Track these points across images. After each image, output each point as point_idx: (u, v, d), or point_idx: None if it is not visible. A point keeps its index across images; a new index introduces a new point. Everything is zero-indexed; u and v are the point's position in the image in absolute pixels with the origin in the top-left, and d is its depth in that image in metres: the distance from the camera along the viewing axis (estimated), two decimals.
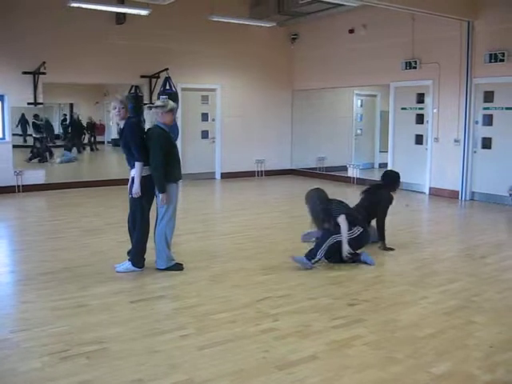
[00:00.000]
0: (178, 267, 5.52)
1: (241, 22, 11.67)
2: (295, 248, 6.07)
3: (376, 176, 12.63)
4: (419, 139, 11.18)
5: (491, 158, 9.91)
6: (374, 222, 6.63)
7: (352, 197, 8.84)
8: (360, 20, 11.87)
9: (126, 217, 5.57)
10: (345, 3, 9.71)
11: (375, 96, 14.67)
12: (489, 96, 9.91)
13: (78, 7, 9.46)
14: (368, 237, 5.95)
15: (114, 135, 19.05)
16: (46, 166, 12.69)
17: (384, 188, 6.69)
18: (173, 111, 5.47)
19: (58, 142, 18.84)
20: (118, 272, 5.41)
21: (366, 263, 5.78)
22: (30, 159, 14.39)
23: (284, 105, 14.13)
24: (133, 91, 11.73)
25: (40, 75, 10.63)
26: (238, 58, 13.06)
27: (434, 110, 10.77)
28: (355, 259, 5.81)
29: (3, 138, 10.76)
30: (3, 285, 5.17)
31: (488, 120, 9.95)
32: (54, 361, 3.46)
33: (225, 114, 13.25)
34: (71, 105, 19.73)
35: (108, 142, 19.06)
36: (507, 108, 9.58)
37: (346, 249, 5.64)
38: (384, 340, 3.84)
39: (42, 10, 10.46)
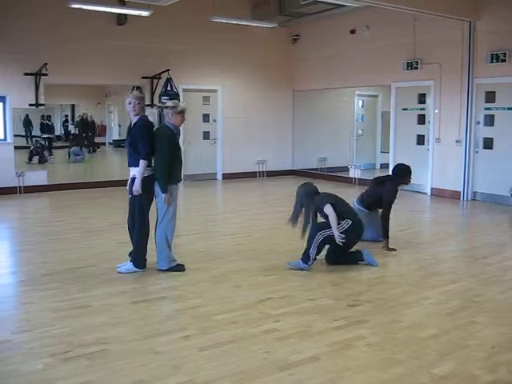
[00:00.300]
0: (180, 268, 5.52)
1: (242, 23, 11.67)
2: (296, 248, 6.05)
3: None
4: (421, 140, 11.17)
5: (493, 159, 9.90)
6: (373, 223, 6.64)
7: (353, 197, 8.83)
8: (361, 21, 11.87)
9: (127, 218, 5.57)
10: (346, 4, 9.71)
11: (376, 96, 14.66)
12: (490, 96, 9.90)
13: (79, 8, 9.46)
14: (360, 228, 5.82)
15: (116, 136, 19.08)
16: (47, 166, 12.71)
17: (392, 180, 6.70)
18: (183, 113, 5.47)
19: (60, 143, 18.86)
20: (119, 273, 5.41)
21: (369, 264, 5.76)
22: (30, 159, 14.42)
23: (285, 105, 14.13)
24: None
25: (41, 76, 10.64)
26: (239, 59, 13.07)
27: (436, 111, 10.76)
28: (357, 259, 5.80)
29: (5, 139, 10.77)
30: (5, 286, 5.18)
31: (489, 120, 9.94)
32: (55, 362, 3.46)
33: (226, 115, 13.25)
34: (73, 106, 19.75)
35: (109, 143, 19.08)
36: (509, 108, 9.58)
37: (337, 235, 5.55)
38: (386, 341, 3.84)
39: (43, 12, 10.48)
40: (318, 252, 5.62)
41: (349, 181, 12.81)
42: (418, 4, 8.78)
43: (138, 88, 11.67)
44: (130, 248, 5.53)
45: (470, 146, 10.17)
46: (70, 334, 3.91)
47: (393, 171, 6.89)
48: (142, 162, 5.22)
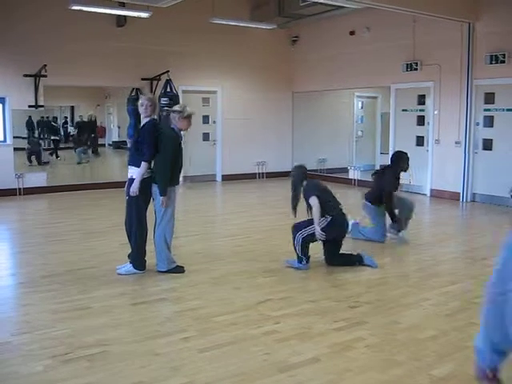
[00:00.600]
0: (179, 269, 5.52)
1: (241, 25, 11.70)
2: None
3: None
4: (420, 141, 11.18)
5: (492, 160, 9.90)
6: (380, 222, 6.70)
7: (352, 198, 8.82)
8: (361, 22, 11.88)
9: (124, 219, 5.57)
10: (345, 5, 9.71)
11: (376, 98, 14.67)
12: (489, 97, 9.91)
13: (79, 10, 9.46)
14: (341, 223, 5.72)
15: (115, 138, 19.10)
16: (47, 167, 12.72)
17: (391, 167, 6.81)
18: (190, 117, 5.48)
19: (61, 145, 18.87)
20: (119, 274, 5.41)
21: (368, 266, 5.76)
22: (29, 159, 14.44)
23: (285, 107, 14.14)
24: (134, 94, 11.75)
25: (41, 78, 10.64)
26: (238, 60, 13.08)
27: (435, 112, 10.77)
28: (355, 261, 5.79)
29: (4, 141, 10.76)
30: (4, 288, 5.18)
31: (489, 121, 9.95)
32: (55, 364, 3.46)
33: (226, 116, 13.26)
34: (72, 107, 19.77)
35: (109, 145, 19.09)
36: (508, 109, 9.58)
37: (317, 231, 5.53)
38: (385, 342, 3.84)
39: (43, 13, 10.49)
40: (306, 251, 5.62)
41: (348, 182, 12.81)
42: (418, 5, 8.79)
43: (138, 90, 11.76)
44: (130, 250, 5.54)
45: (469, 148, 10.18)
46: (70, 335, 3.91)
47: (390, 159, 7.03)
48: (144, 164, 5.23)
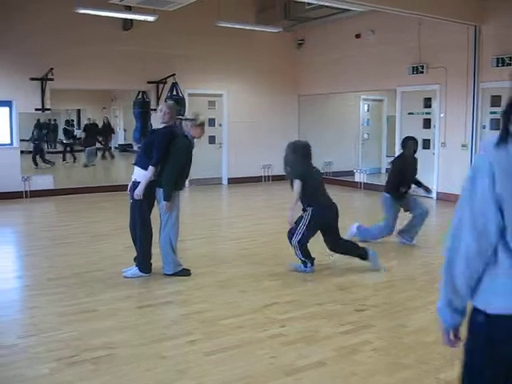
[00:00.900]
0: (186, 273, 5.52)
1: (247, 28, 11.70)
2: None
3: (383, 181, 12.62)
4: (426, 144, 11.14)
5: None
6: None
7: (358, 201, 8.80)
8: (366, 25, 11.87)
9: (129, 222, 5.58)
10: (351, 8, 9.72)
11: (382, 101, 14.66)
12: (496, 100, 9.87)
13: (86, 13, 9.49)
14: (324, 212, 5.59)
15: (121, 141, 19.15)
16: (54, 170, 12.78)
17: (402, 152, 7.04)
18: (203, 125, 5.51)
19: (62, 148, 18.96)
20: (125, 277, 5.41)
21: (371, 263, 5.67)
22: (34, 161, 14.55)
23: (291, 110, 14.13)
24: (140, 97, 11.79)
25: (47, 81, 10.68)
26: (244, 64, 13.09)
27: (441, 115, 10.74)
28: (359, 254, 5.66)
29: (11, 144, 10.80)
30: (11, 290, 5.19)
31: (495, 124, 9.90)
32: (61, 366, 3.46)
33: (231, 120, 13.27)
34: (78, 110, 19.85)
35: (115, 148, 19.13)
36: None
37: (289, 216, 5.52)
38: (392, 346, 3.82)
39: (49, 17, 10.52)
40: (307, 254, 5.61)
41: (354, 185, 12.79)
42: (423, 8, 8.78)
43: (144, 93, 11.79)
44: (136, 253, 5.54)
45: (475, 151, 10.14)
46: (76, 338, 3.91)
47: (401, 146, 7.22)
48: (151, 169, 5.23)
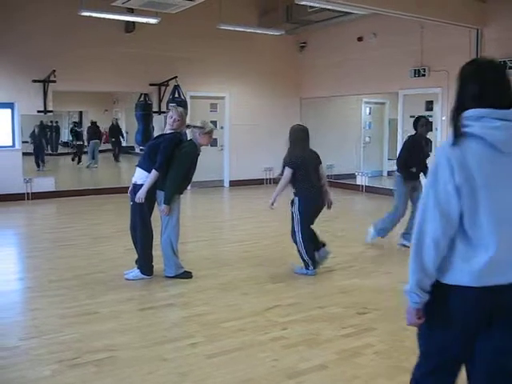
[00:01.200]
0: (187, 275, 5.52)
1: (249, 31, 11.71)
2: None
3: (385, 184, 12.62)
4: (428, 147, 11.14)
5: None
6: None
7: (360, 204, 8.80)
8: (369, 28, 11.88)
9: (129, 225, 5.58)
10: (353, 11, 9.72)
11: (384, 104, 14.65)
12: None
13: (89, 16, 9.51)
14: (312, 198, 5.64)
15: (123, 143, 19.15)
16: (55, 172, 12.79)
17: (415, 133, 7.09)
18: (211, 133, 5.52)
19: (67, 149, 19.06)
20: (127, 279, 5.41)
21: (317, 256, 5.68)
22: (37, 163, 14.62)
23: (292, 113, 14.10)
24: (142, 99, 11.80)
25: (50, 83, 10.70)
26: (246, 66, 13.10)
27: (443, 118, 10.74)
28: (316, 247, 5.71)
29: (13, 146, 10.81)
30: (12, 292, 5.19)
31: None
32: (63, 368, 3.46)
33: (233, 122, 13.27)
34: (80, 112, 19.89)
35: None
36: None
37: (273, 197, 5.56)
38: (394, 349, 3.82)
39: (52, 19, 10.55)
40: (311, 253, 5.61)
41: (356, 188, 12.77)
42: (425, 11, 8.78)
43: (146, 95, 11.80)
44: (137, 255, 5.54)
45: None
46: (77, 340, 3.91)
47: (413, 126, 7.21)
48: (154, 173, 5.23)
